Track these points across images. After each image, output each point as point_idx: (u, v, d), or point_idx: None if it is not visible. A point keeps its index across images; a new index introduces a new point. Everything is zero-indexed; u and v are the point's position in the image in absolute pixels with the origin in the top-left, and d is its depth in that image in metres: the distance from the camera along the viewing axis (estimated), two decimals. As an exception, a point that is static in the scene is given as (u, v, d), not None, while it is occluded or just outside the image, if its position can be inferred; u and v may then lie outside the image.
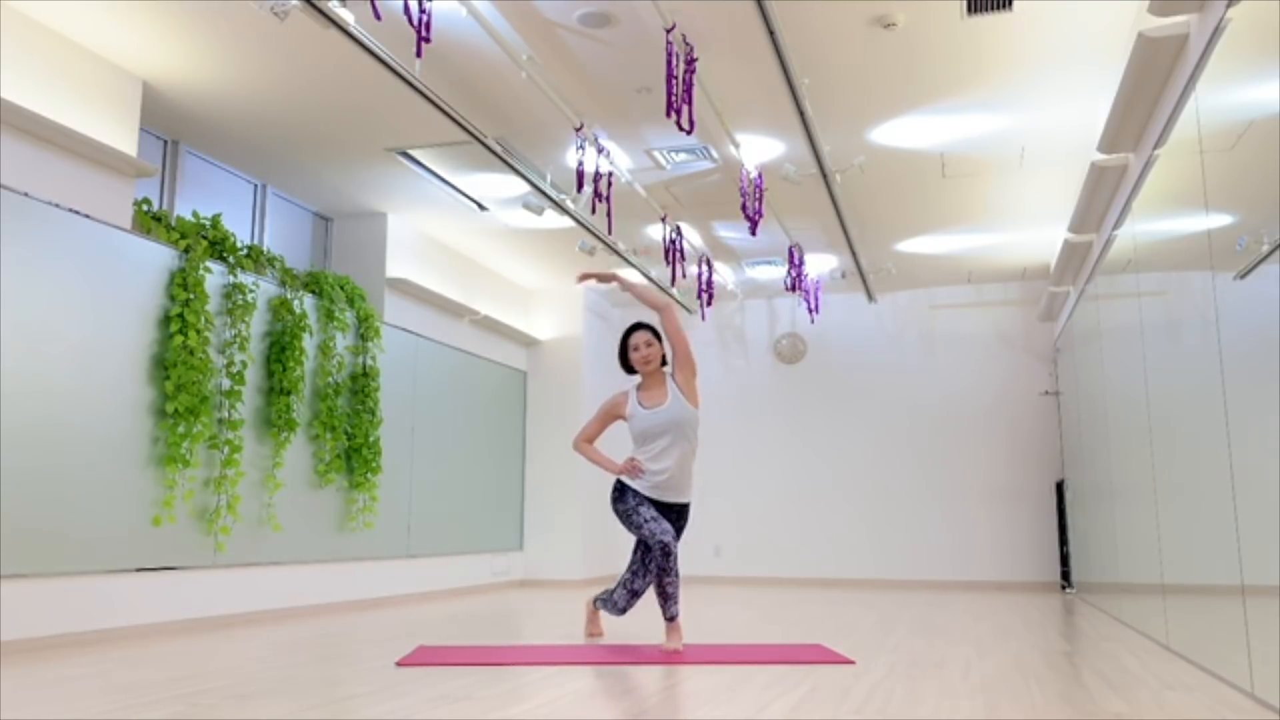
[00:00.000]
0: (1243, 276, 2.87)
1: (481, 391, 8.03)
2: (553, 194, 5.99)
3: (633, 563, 4.17)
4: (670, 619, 4.01)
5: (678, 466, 4.12)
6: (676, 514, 4.19)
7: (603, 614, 4.84)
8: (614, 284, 4.42)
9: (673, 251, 6.73)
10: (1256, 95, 2.71)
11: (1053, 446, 8.52)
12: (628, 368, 4.32)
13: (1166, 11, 3.42)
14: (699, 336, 9.61)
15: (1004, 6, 4.22)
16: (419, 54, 3.86)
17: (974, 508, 8.69)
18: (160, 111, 5.25)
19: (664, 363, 4.27)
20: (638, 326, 4.29)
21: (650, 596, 6.25)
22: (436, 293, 7.30)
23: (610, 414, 4.31)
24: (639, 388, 4.27)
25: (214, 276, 5.15)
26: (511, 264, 8.26)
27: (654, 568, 4.01)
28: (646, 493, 4.12)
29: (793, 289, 7.67)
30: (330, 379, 6.01)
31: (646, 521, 4.02)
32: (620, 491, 4.17)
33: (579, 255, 7.72)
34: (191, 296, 4.90)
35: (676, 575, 4.01)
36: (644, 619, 5.24)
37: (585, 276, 4.48)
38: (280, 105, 5.20)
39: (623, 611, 4.25)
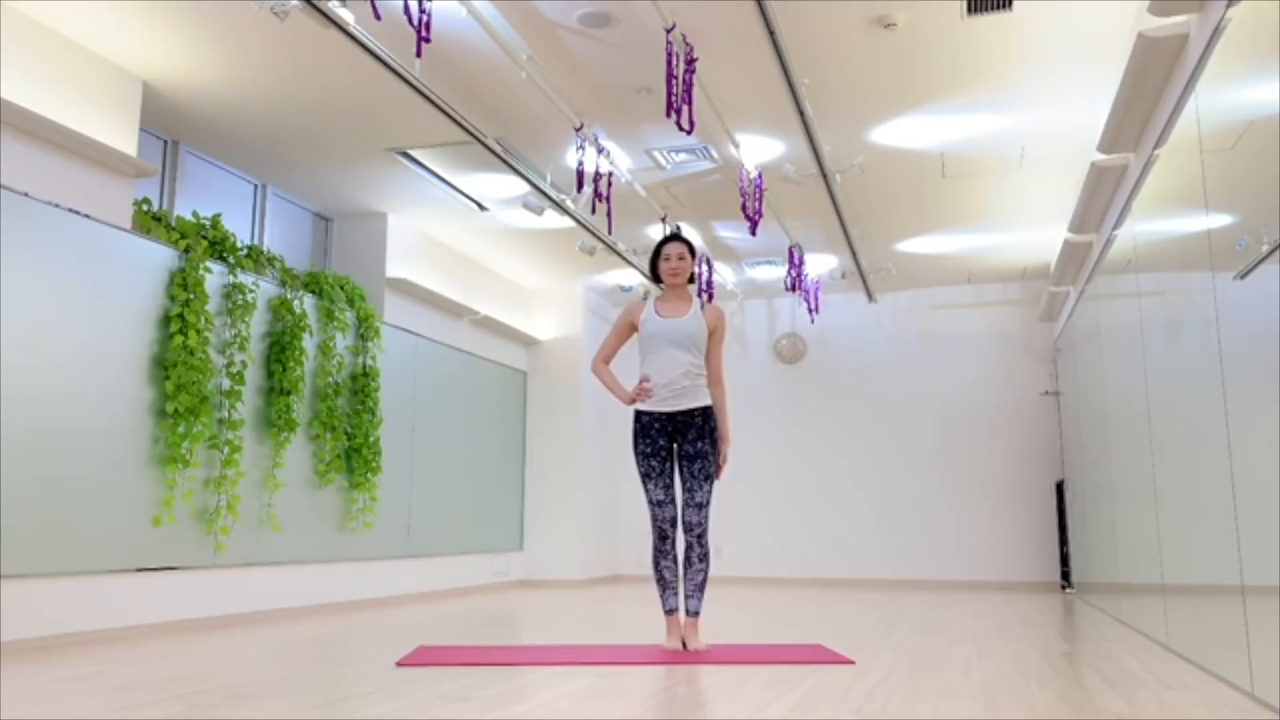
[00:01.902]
0: (1243, 276, 2.87)
1: (481, 391, 8.03)
2: (553, 194, 5.99)
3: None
4: (668, 612, 3.97)
5: (685, 376, 3.96)
6: (701, 418, 3.96)
7: (681, 616, 4.12)
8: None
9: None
10: (1256, 95, 2.71)
11: (1053, 446, 8.52)
12: (655, 277, 4.17)
13: (1166, 11, 3.42)
14: (699, 336, 9.60)
15: (1004, 6, 4.22)
16: (419, 54, 3.86)
17: (974, 508, 8.69)
18: (160, 111, 5.24)
19: (691, 279, 4.13)
20: (674, 237, 4.13)
21: (651, 601, 6.23)
22: (436, 293, 7.30)
23: (627, 324, 4.14)
24: (658, 299, 4.13)
25: (214, 276, 5.15)
26: (511, 264, 8.26)
27: (651, 550, 3.99)
28: (660, 408, 3.95)
29: (793, 289, 7.67)
30: (330, 379, 6.01)
31: (652, 504, 3.96)
32: (634, 439, 4.02)
33: (579, 255, 7.73)
34: (191, 296, 4.90)
35: (674, 562, 3.96)
36: (644, 618, 5.24)
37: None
38: (280, 105, 5.20)
39: (660, 557, 4.02)
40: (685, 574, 3.99)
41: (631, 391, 4.02)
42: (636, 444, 4.00)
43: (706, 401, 4.00)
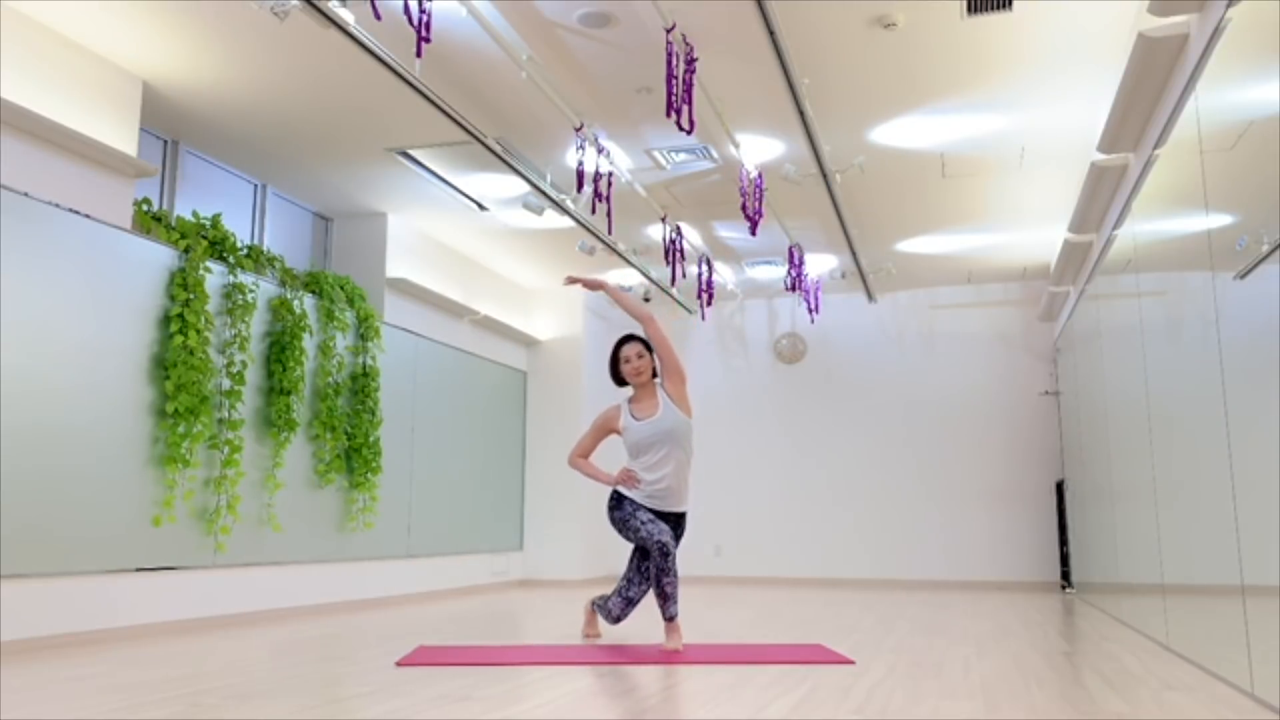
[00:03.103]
0: (1243, 276, 2.87)
1: (481, 391, 8.03)
2: (553, 194, 5.99)
3: (629, 571, 4.23)
4: (669, 619, 4.01)
5: (674, 476, 4.16)
6: (673, 523, 4.22)
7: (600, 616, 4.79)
8: (600, 290, 4.45)
9: (673, 251, 6.73)
10: (1256, 95, 2.71)
11: (1053, 446, 8.52)
12: (619, 380, 4.35)
13: (1166, 11, 3.42)
14: (699, 336, 9.61)
15: (1004, 6, 4.22)
16: (419, 54, 3.86)
17: (974, 508, 8.69)
18: (160, 111, 5.24)
19: (654, 374, 4.30)
20: (628, 339, 4.32)
21: (648, 601, 6.24)
22: (436, 293, 7.30)
23: (604, 428, 4.36)
24: (631, 400, 4.31)
25: (214, 276, 5.15)
26: (511, 264, 8.26)
27: (652, 568, 4.02)
28: (644, 502, 4.16)
29: (793, 289, 7.67)
30: (330, 379, 6.01)
31: (644, 524, 4.05)
32: (617, 500, 4.20)
33: (579, 255, 7.72)
34: (191, 296, 4.90)
35: (675, 575, 4.03)
36: (644, 619, 5.24)
37: (572, 280, 4.47)
38: (280, 105, 5.20)
39: (617, 620, 4.26)
40: (642, 585, 4.21)
41: (617, 475, 4.21)
42: (620, 504, 4.17)
43: (686, 508, 4.25)
